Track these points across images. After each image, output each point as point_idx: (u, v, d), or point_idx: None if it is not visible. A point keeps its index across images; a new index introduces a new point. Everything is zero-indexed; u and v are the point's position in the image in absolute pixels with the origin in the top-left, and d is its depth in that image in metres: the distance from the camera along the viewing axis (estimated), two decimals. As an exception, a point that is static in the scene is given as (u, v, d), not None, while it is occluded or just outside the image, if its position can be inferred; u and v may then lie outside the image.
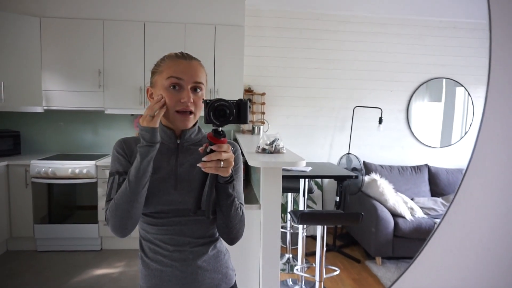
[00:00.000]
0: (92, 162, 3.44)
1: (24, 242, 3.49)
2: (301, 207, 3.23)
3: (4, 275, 3.00)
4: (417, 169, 4.20)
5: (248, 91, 4.01)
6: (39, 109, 3.56)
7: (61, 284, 2.87)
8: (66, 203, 3.64)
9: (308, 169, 3.06)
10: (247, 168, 2.69)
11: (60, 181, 3.42)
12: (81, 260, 3.32)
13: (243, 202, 1.10)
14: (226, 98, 0.93)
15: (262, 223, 2.11)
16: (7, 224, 3.39)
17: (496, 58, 0.59)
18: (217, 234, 1.11)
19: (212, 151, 0.90)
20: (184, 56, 1.06)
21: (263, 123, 4.00)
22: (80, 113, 3.90)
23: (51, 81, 3.54)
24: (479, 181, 0.55)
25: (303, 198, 3.14)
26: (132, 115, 3.96)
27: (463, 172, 0.54)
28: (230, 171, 0.93)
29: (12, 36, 3.38)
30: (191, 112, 1.03)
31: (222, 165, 0.90)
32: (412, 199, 3.85)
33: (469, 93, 4.37)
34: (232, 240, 1.08)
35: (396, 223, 3.38)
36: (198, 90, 1.05)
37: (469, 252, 0.54)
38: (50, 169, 3.38)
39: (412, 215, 3.49)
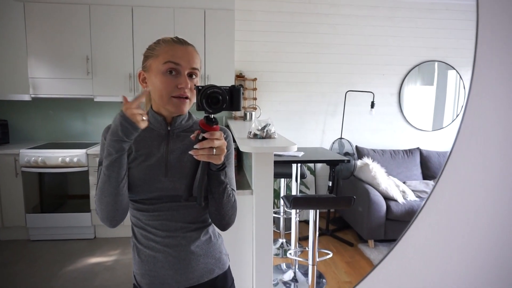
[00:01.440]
0: (83, 151, 3.40)
1: (16, 232, 3.47)
2: (293, 192, 3.24)
3: (-3, 265, 2.99)
4: (409, 152, 4.23)
5: (240, 76, 3.97)
6: (26, 97, 3.49)
7: (55, 273, 2.87)
8: (57, 192, 3.61)
9: (300, 154, 3.05)
10: (239, 153, 2.68)
11: (50, 170, 3.39)
12: (74, 248, 3.32)
13: (235, 188, 1.10)
14: (218, 84, 0.91)
15: (254, 209, 2.11)
16: (-2, 214, 3.37)
17: (483, 39, 0.58)
18: (209, 219, 1.11)
19: (204, 138, 0.89)
20: (180, 42, 1.04)
21: (255, 108, 3.97)
22: (69, 101, 3.83)
23: (38, 68, 3.46)
24: (465, 160, 0.55)
25: (295, 183, 3.15)
26: (121, 102, 3.90)
27: (449, 151, 0.54)
28: (222, 158, 0.92)
29: (-5, 22, 3.28)
30: (187, 98, 1.02)
31: (214, 153, 0.89)
32: (404, 183, 3.89)
33: (460, 76, 4.38)
34: (224, 226, 1.08)
35: (388, 206, 3.42)
36: (194, 76, 1.04)
37: (455, 232, 0.54)
38: (40, 158, 3.34)
39: (404, 198, 3.52)
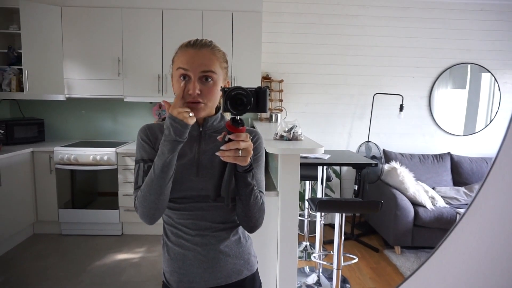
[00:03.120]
0: (113, 149, 3.51)
1: (50, 226, 3.62)
2: (319, 195, 3.21)
3: (32, 257, 3.13)
4: (439, 157, 4.10)
5: (266, 78, 3.98)
6: (61, 97, 3.64)
7: (85, 267, 2.97)
8: (88, 189, 3.74)
9: (327, 156, 3.02)
10: (265, 155, 2.67)
11: (82, 168, 3.51)
12: (103, 244, 3.42)
13: (263, 191, 1.09)
14: (244, 86, 0.91)
15: (279, 210, 2.10)
16: (33, 208, 3.52)
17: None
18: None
19: (230, 140, 0.89)
20: (194, 45, 1.02)
21: (281, 110, 3.97)
22: (100, 101, 3.96)
23: (73, 70, 3.60)
24: (510, 169, 0.52)
25: (321, 186, 3.12)
26: (150, 103, 4.00)
27: (493, 158, 0.51)
28: (248, 160, 0.92)
29: (35, 25, 3.44)
30: (199, 103, 1.00)
31: (240, 154, 0.89)
32: (433, 188, 3.77)
33: (495, 79, 4.20)
34: (251, 228, 1.08)
35: (416, 212, 3.32)
36: (209, 79, 1.01)
37: (499, 241, 0.52)
38: (73, 156, 3.47)
39: (433, 204, 3.42)
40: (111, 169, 3.53)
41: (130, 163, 3.51)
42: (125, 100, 3.68)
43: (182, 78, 1.00)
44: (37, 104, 3.95)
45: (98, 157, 3.48)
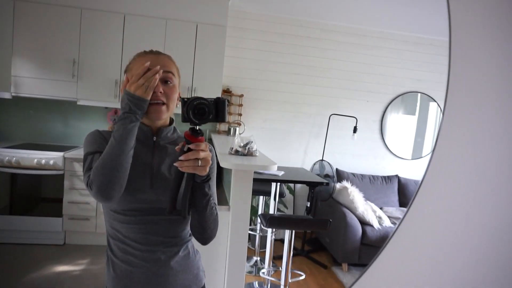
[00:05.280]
0: (60, 154, 3.32)
1: (-18, 233, 3.33)
2: (271, 211, 3.24)
3: (-43, 267, 2.86)
4: (387, 179, 4.30)
5: (226, 91, 3.99)
6: (7, 95, 3.41)
7: (19, 279, 2.75)
8: (30, 194, 3.50)
9: (281, 173, 3.07)
10: (219, 169, 2.66)
11: (24, 171, 3.29)
12: (42, 254, 3.20)
13: (216, 202, 1.09)
14: (201, 96, 0.92)
15: (230, 225, 2.09)
16: (-36, 213, 3.23)
17: (455, 73, 0.61)
18: (189, 234, 1.10)
19: (189, 150, 0.89)
20: (152, 52, 1.07)
21: (240, 124, 3.99)
22: (51, 102, 3.76)
23: (22, 67, 3.40)
24: (436, 189, 0.57)
25: (273, 201, 3.15)
26: (106, 108, 3.86)
27: (420, 180, 0.56)
28: (207, 170, 0.92)
29: (-17, 17, 3.23)
30: (163, 103, 1.01)
31: (199, 164, 0.89)
32: (381, 208, 3.93)
33: (441, 109, 4.52)
34: (205, 240, 1.07)
35: (364, 231, 3.44)
36: (169, 82, 1.03)
37: (426, 258, 0.56)
38: (14, 158, 3.24)
39: (380, 224, 3.56)
40: (57, 175, 3.33)
41: (79, 168, 3.34)
42: (78, 103, 3.53)
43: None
44: (-21, 101, 3.67)
45: (43, 161, 3.28)
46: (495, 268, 0.50)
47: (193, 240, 1.13)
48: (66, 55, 3.44)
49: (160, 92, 0.99)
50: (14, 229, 3.32)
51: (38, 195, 3.51)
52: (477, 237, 0.53)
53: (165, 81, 1.02)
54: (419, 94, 4.49)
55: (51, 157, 3.31)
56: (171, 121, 1.11)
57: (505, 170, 0.50)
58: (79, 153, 3.39)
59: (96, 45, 3.48)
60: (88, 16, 3.45)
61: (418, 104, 4.55)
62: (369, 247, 3.45)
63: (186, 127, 0.93)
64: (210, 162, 0.93)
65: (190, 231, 1.10)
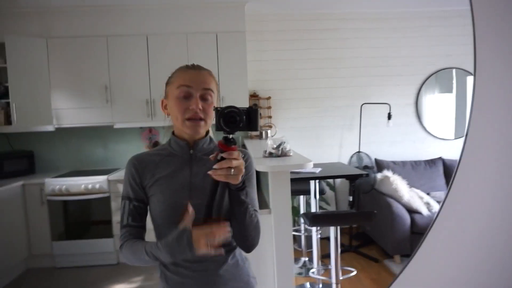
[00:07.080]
0: (104, 177, 3.48)
1: (43, 260, 3.54)
2: (313, 209, 3.20)
3: (25, 293, 3.05)
4: (431, 162, 4.11)
5: (254, 96, 4.01)
6: (50, 128, 3.63)
7: (80, 299, 2.90)
8: (81, 219, 3.68)
9: (318, 170, 3.02)
10: (256, 174, 2.67)
11: (74, 198, 3.47)
12: (98, 275, 3.35)
13: (257, 209, 1.09)
14: (233, 105, 0.94)
15: (273, 228, 2.09)
16: (26, 242, 3.45)
17: (481, 43, 0.58)
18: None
19: (222, 158, 0.90)
20: (194, 67, 1.09)
21: (270, 127, 3.99)
22: (90, 129, 3.95)
23: (61, 100, 3.61)
24: (473, 172, 0.54)
25: (314, 200, 3.11)
26: (140, 128, 4.00)
27: (457, 163, 0.53)
28: (240, 178, 0.93)
29: (21, 59, 3.46)
30: (201, 119, 1.04)
31: (232, 173, 0.90)
32: (428, 194, 3.77)
33: (479, 82, 4.27)
34: (248, 248, 1.08)
35: (412, 219, 3.32)
36: (208, 98, 1.06)
37: (468, 245, 0.53)
38: (64, 186, 3.43)
39: (429, 210, 3.41)
40: (104, 197, 3.49)
41: (123, 189, 3.48)
42: (114, 127, 3.68)
43: (183, 96, 1.03)
44: (26, 136, 3.92)
45: (90, 186, 3.45)
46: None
47: None
48: (98, 82, 3.61)
49: (199, 109, 1.02)
50: (72, 253, 3.51)
51: (88, 218, 3.69)
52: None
53: (204, 98, 1.05)
54: (454, 70, 4.27)
55: (97, 181, 3.47)
56: (207, 131, 1.14)
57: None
58: (121, 174, 3.53)
59: (124, 69, 3.63)
60: (113, 42, 3.60)
61: (454, 80, 4.33)
62: (421, 235, 3.30)
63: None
64: (243, 170, 0.93)
65: None
